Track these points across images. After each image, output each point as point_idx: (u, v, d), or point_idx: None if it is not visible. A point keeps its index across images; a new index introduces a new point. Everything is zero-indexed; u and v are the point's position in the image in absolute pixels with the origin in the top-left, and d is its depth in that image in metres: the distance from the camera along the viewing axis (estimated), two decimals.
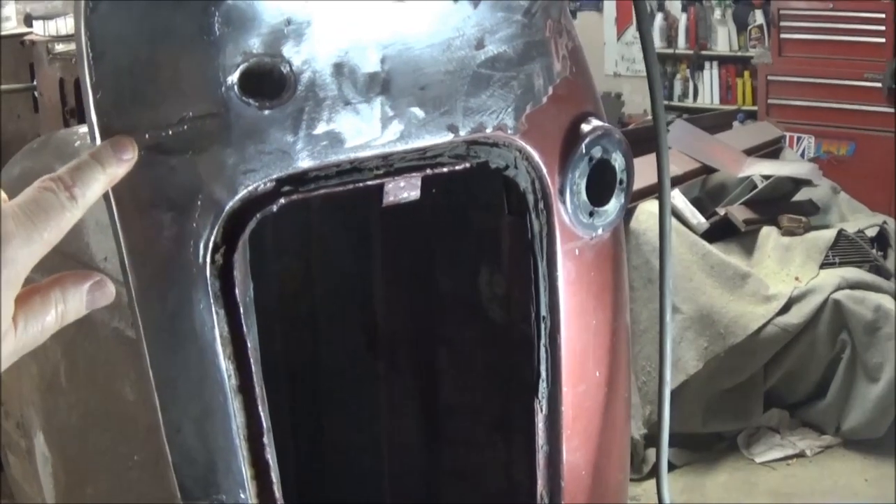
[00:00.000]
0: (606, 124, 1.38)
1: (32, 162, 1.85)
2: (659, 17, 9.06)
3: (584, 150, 1.34)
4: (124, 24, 1.03)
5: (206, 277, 1.06)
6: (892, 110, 7.46)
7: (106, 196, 1.07)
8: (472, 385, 1.55)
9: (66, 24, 2.55)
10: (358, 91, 1.12)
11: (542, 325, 1.35)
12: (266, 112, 1.07)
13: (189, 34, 1.05)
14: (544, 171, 1.30)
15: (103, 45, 1.03)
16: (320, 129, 1.10)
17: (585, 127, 1.36)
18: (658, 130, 1.53)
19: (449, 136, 1.20)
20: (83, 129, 1.81)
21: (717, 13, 8.75)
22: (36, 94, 2.80)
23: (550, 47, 1.32)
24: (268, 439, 1.13)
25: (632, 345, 4.15)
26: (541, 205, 1.31)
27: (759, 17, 8.45)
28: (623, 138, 1.41)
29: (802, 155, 7.70)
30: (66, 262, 1.58)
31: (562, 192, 1.33)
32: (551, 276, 1.34)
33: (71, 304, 0.84)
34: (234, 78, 1.06)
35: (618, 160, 1.40)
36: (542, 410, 1.39)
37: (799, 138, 7.88)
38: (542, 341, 1.36)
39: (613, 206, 1.41)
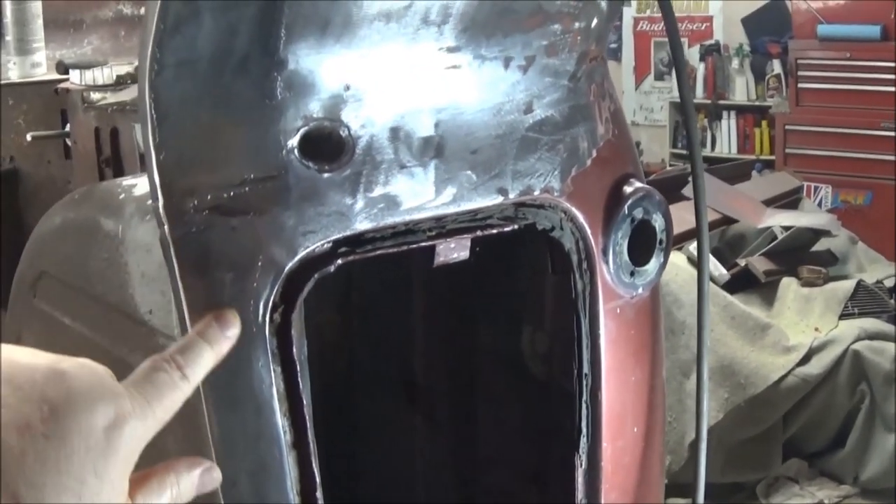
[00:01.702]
0: (647, 186, 1.41)
1: (75, 213, 1.87)
2: None
3: (626, 212, 1.37)
4: (188, 88, 1.06)
5: (266, 336, 1.08)
6: None
7: (167, 256, 1.10)
8: (510, 439, 1.57)
9: (102, 74, 2.59)
10: (413, 155, 1.15)
11: (584, 382, 1.38)
12: (325, 175, 1.10)
13: (251, 99, 1.08)
14: (588, 231, 1.33)
15: (167, 108, 1.06)
16: (377, 191, 1.13)
17: (627, 188, 1.39)
18: (695, 174, 1.54)
19: (499, 199, 1.23)
20: (126, 181, 1.83)
21: (735, 63, 8.83)
22: (68, 141, 2.83)
23: (594, 111, 1.35)
24: (320, 494, 1.15)
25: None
26: (584, 265, 1.34)
27: (776, 66, 8.55)
28: (663, 199, 1.43)
29: (820, 204, 7.74)
30: (109, 313, 1.62)
31: (605, 253, 1.35)
32: (593, 334, 1.37)
33: (184, 486, 0.88)
34: (294, 141, 1.09)
35: (658, 221, 1.42)
36: (581, 465, 1.41)
37: (816, 188, 7.91)
38: (584, 398, 1.38)
39: (653, 265, 1.44)
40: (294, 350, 1.10)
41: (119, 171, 2.44)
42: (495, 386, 1.57)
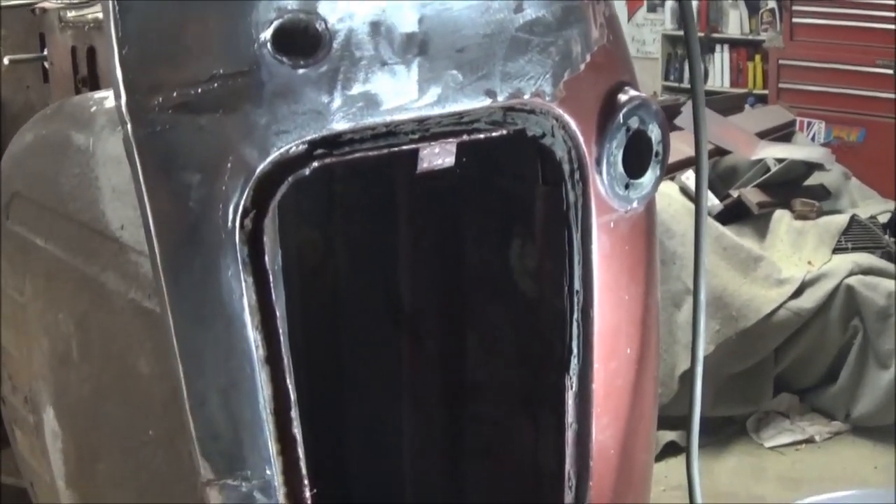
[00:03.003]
0: (643, 94, 1.34)
1: (46, 129, 1.82)
2: None
3: (621, 120, 1.30)
4: None
5: (235, 243, 1.03)
6: None
7: (131, 158, 1.03)
8: (499, 362, 1.51)
9: None
10: (395, 51, 1.08)
11: (576, 300, 1.32)
12: (300, 71, 1.04)
13: None
14: (581, 140, 1.26)
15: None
16: (356, 89, 1.06)
17: (623, 97, 1.32)
18: (696, 112, 1.50)
19: (487, 101, 1.16)
20: (98, 94, 1.77)
21: None
22: (46, 64, 2.76)
23: (588, 13, 1.28)
24: (294, 413, 1.09)
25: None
26: (577, 175, 1.27)
27: (770, 0, 8.42)
28: (660, 109, 1.37)
29: (812, 139, 7.69)
30: (81, 231, 1.56)
31: (598, 163, 1.29)
32: (586, 249, 1.30)
33: None
34: (267, 35, 1.03)
35: (654, 132, 1.36)
36: (572, 387, 1.35)
37: (809, 123, 7.87)
38: (575, 316, 1.33)
39: (649, 178, 1.37)
40: (266, 259, 1.04)
41: (97, 88, 2.37)
42: (483, 306, 1.51)
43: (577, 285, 1.31)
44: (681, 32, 8.88)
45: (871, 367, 4.28)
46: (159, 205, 1.02)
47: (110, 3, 1.00)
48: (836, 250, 4.51)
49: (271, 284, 1.05)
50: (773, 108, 6.76)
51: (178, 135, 1.01)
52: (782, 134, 5.74)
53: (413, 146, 1.12)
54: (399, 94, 1.09)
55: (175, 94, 1.00)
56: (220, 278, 1.03)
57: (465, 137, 1.15)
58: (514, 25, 1.18)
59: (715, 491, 3.77)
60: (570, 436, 1.37)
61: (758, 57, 8.55)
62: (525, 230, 1.39)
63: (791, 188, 4.86)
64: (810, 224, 4.61)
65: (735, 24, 8.74)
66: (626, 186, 1.33)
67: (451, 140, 1.14)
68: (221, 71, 1.01)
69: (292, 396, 1.08)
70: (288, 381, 1.08)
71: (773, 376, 4.41)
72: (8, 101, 2.95)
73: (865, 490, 3.67)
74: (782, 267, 4.36)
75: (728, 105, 6.13)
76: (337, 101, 1.05)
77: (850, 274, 4.32)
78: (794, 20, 7.94)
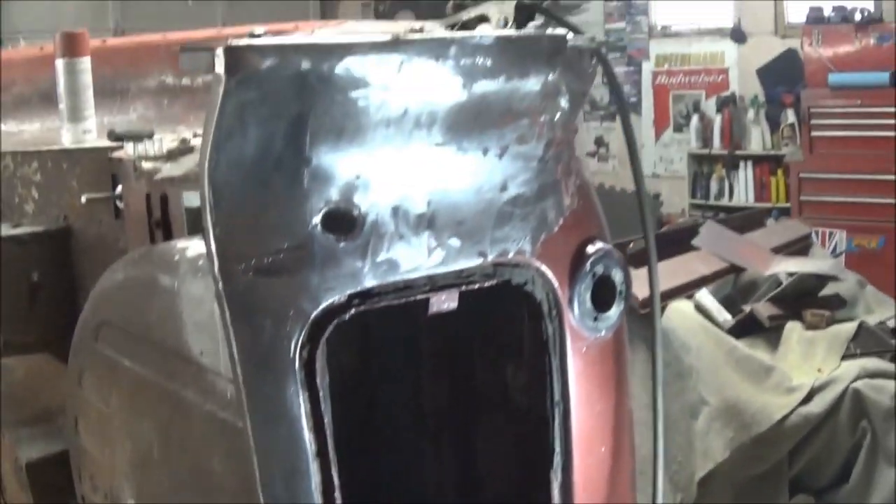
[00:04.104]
0: (608, 246, 1.72)
1: (135, 271, 2.17)
2: (695, 118, 9.35)
3: (588, 268, 1.68)
4: (237, 180, 1.40)
5: (296, 369, 1.41)
6: None
7: (221, 307, 1.42)
8: (500, 459, 1.87)
9: (153, 147, 2.83)
10: (410, 228, 1.48)
11: (557, 410, 1.69)
12: (341, 245, 1.44)
13: (284, 187, 1.41)
14: (555, 285, 1.65)
15: (221, 194, 1.40)
16: (382, 257, 1.46)
17: (590, 248, 1.71)
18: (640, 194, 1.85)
19: (480, 260, 1.56)
20: (180, 244, 2.13)
21: (751, 113, 9.02)
22: (119, 203, 2.92)
23: (561, 186, 1.67)
24: (339, 495, 1.46)
25: (663, 434, 4.41)
26: (553, 312, 1.65)
27: (790, 115, 8.72)
28: (621, 256, 1.74)
29: (835, 249, 7.90)
30: (165, 355, 1.92)
31: (570, 302, 1.67)
32: (563, 370, 1.68)
33: None
34: (318, 219, 1.43)
35: (617, 275, 1.73)
36: (557, 479, 1.71)
37: (831, 233, 8.07)
38: (557, 422, 1.69)
39: (614, 312, 1.74)
40: (318, 380, 1.43)
41: (168, 232, 2.66)
42: (487, 415, 1.88)
43: (557, 398, 1.68)
44: (706, 150, 9.24)
45: (880, 465, 4.43)
46: (241, 340, 1.40)
47: (207, 197, 1.39)
48: (845, 356, 4.67)
49: (321, 398, 1.44)
50: (790, 222, 7.02)
51: (256, 291, 1.39)
52: (799, 247, 6.01)
53: (425, 296, 1.51)
54: (413, 259, 1.49)
55: (254, 261, 1.39)
56: (285, 393, 1.41)
57: (464, 287, 1.55)
58: (501, 201, 1.58)
59: None
60: None
61: (780, 171, 8.78)
62: (516, 356, 1.77)
63: (805, 300, 5.11)
64: (820, 333, 4.83)
65: (757, 140, 9.00)
66: (595, 319, 1.71)
67: (453, 290, 1.54)
68: (286, 245, 1.41)
69: (336, 482, 1.45)
70: (333, 470, 1.45)
71: (789, 478, 4.59)
72: (81, 233, 3.15)
73: None
74: (793, 375, 4.58)
75: (749, 222, 6.32)
76: (368, 266, 1.45)
77: (857, 378, 4.48)
78: (813, 133, 8.15)
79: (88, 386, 2.21)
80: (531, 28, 1.75)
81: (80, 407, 2.23)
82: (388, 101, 1.42)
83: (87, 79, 3.15)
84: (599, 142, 10.18)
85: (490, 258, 1.57)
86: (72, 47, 3.13)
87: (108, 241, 2.96)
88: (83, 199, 2.92)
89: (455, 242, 1.53)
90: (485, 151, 1.55)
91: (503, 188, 1.58)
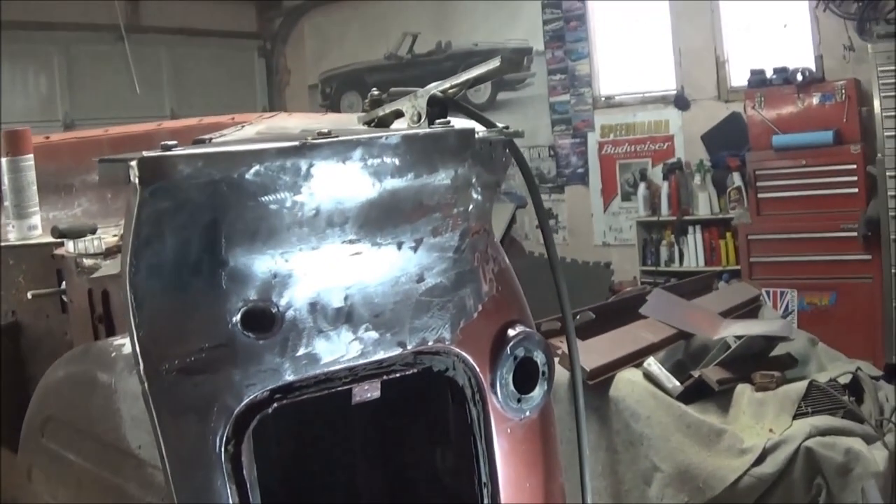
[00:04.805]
0: (528, 329, 1.79)
1: (75, 367, 2.22)
2: (642, 186, 9.53)
3: (509, 352, 1.74)
4: (157, 284, 1.45)
5: (222, 463, 1.45)
6: (868, 257, 7.82)
7: (147, 405, 1.47)
8: None
9: (93, 245, 2.85)
10: (328, 322, 1.54)
11: (485, 490, 1.73)
12: (261, 342, 1.49)
13: (203, 289, 1.47)
14: (477, 369, 1.70)
15: (142, 299, 1.45)
16: (301, 351, 1.51)
17: (511, 332, 1.76)
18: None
19: (398, 350, 1.61)
20: (117, 341, 2.19)
21: (697, 179, 9.21)
22: (64, 298, 2.94)
23: (479, 274, 1.74)
24: None
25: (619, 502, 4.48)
26: (477, 396, 1.71)
27: (736, 179, 8.86)
28: (542, 339, 1.81)
29: (787, 308, 8.03)
30: (106, 449, 1.96)
31: (493, 386, 1.72)
32: (489, 451, 1.73)
33: None
34: (237, 318, 1.48)
35: (539, 356, 1.79)
36: None
37: (783, 293, 8.21)
38: (486, 502, 1.73)
39: (538, 393, 1.80)
40: (245, 472, 1.47)
41: (111, 327, 2.70)
42: (420, 495, 1.92)
43: (484, 479, 1.73)
44: (655, 217, 9.38)
45: None
46: (169, 437, 1.44)
47: (129, 301, 1.45)
48: (796, 416, 4.77)
49: (248, 489, 1.48)
50: (739, 285, 7.14)
51: (180, 389, 1.44)
52: (749, 309, 6.12)
53: (346, 387, 1.56)
54: (332, 352, 1.54)
55: (177, 361, 1.44)
56: (213, 486, 1.45)
57: (385, 377, 1.60)
58: (418, 292, 1.64)
59: None
60: None
61: (728, 234, 8.95)
62: (443, 438, 1.82)
63: (756, 361, 5.20)
64: (770, 394, 4.91)
65: (705, 204, 9.17)
66: (519, 401, 1.77)
67: (375, 380, 1.59)
68: (207, 344, 1.46)
69: None
70: None
71: None
72: (29, 328, 3.18)
73: None
74: (745, 437, 4.65)
75: (698, 286, 6.44)
76: (288, 361, 1.50)
77: (809, 436, 4.55)
78: (760, 195, 8.34)
79: (37, 480, 2.25)
80: (448, 122, 1.83)
81: (30, 501, 2.25)
82: (299, 202, 1.48)
83: (31, 175, 3.19)
84: (548, 214, 10.32)
85: (409, 347, 1.62)
86: (15, 145, 3.17)
87: (55, 335, 3.00)
88: (29, 294, 2.95)
89: (373, 334, 1.58)
90: (399, 245, 1.61)
91: (420, 279, 1.64)
